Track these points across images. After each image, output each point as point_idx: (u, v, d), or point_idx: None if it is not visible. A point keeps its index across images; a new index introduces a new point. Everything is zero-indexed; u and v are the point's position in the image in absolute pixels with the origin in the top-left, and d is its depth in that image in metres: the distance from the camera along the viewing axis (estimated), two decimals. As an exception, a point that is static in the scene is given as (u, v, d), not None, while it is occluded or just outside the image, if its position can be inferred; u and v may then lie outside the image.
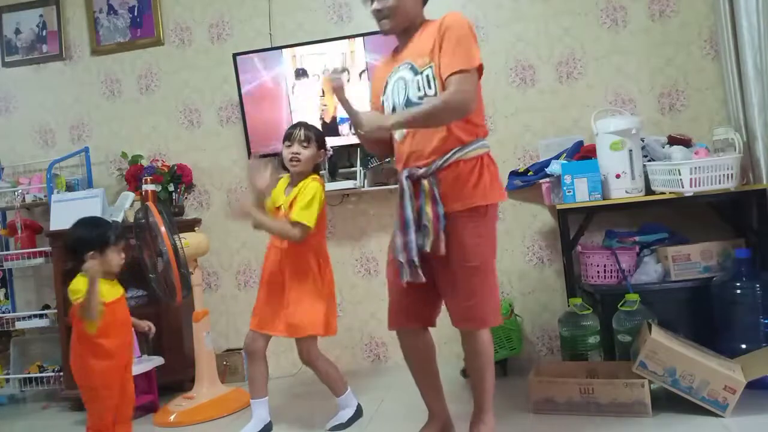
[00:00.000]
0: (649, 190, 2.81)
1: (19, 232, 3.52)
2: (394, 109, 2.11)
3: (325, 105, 3.34)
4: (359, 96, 3.17)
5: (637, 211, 3.02)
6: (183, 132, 3.69)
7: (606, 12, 3.23)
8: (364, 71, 3.24)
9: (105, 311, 2.10)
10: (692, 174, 2.58)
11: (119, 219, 3.25)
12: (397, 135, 2.12)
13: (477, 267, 2.01)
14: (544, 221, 3.29)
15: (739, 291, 2.55)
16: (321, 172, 2.59)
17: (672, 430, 2.20)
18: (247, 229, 3.46)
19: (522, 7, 3.31)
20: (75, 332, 2.16)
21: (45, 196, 3.52)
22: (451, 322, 2.10)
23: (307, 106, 3.34)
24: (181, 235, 2.75)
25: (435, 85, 1.98)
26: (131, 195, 3.40)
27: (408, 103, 2.04)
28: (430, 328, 2.21)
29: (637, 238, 2.91)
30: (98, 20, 3.77)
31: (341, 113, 3.26)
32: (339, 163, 3.32)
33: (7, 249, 3.64)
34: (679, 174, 2.60)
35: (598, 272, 2.85)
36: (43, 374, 3.48)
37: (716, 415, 2.24)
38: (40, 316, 3.50)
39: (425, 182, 1.99)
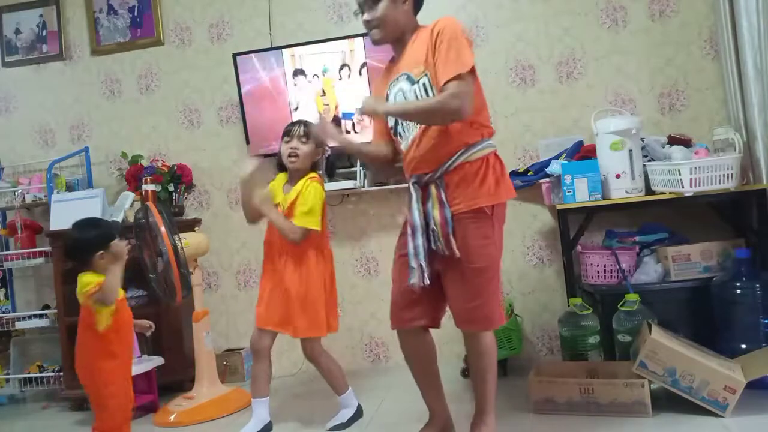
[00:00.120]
0: (649, 190, 2.81)
1: (19, 232, 3.52)
2: (396, 122, 2.13)
3: (325, 105, 3.34)
4: (359, 90, 3.22)
5: (637, 211, 3.02)
6: (183, 132, 3.70)
7: (606, 12, 3.23)
8: (363, 65, 3.24)
9: (116, 305, 2.11)
10: (692, 174, 2.58)
11: (119, 219, 3.25)
12: (403, 145, 2.14)
13: (482, 268, 2.01)
14: (544, 221, 3.29)
15: (739, 291, 2.55)
16: (319, 171, 2.60)
17: (672, 430, 2.20)
18: (247, 229, 3.47)
19: (522, 7, 3.31)
20: (83, 333, 2.13)
21: (45, 196, 3.52)
22: (455, 323, 2.10)
23: (308, 105, 3.34)
24: (181, 235, 2.75)
25: (432, 93, 2.00)
26: (131, 195, 3.40)
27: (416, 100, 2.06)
28: (431, 329, 2.21)
29: (637, 238, 2.91)
30: (98, 20, 3.77)
31: (343, 110, 3.28)
32: (338, 163, 3.31)
33: (7, 249, 3.64)
34: (679, 174, 2.60)
35: (598, 272, 2.85)
36: (43, 374, 3.48)
37: (716, 415, 2.24)
38: (40, 316, 3.50)
39: (432, 186, 2.02)
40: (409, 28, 2.10)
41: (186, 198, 3.65)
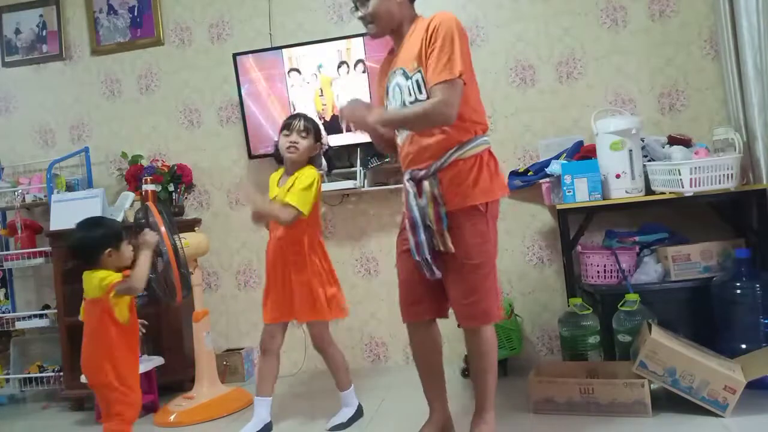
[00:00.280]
0: (649, 190, 2.82)
1: (19, 232, 3.52)
2: None
3: (324, 104, 3.34)
4: (357, 88, 3.22)
5: (637, 211, 3.02)
6: (183, 132, 3.69)
7: (606, 12, 3.23)
8: (360, 61, 3.25)
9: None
10: (692, 174, 2.58)
11: (119, 219, 3.25)
12: (399, 139, 2.15)
13: (478, 264, 2.03)
14: (544, 221, 3.29)
15: (739, 291, 2.55)
16: (320, 170, 2.60)
17: (672, 430, 2.20)
18: (247, 229, 3.48)
19: (522, 7, 3.31)
20: (100, 328, 2.10)
21: (45, 196, 3.51)
22: (457, 321, 2.12)
23: (307, 105, 3.34)
24: (181, 235, 2.75)
25: (425, 90, 2.00)
26: (131, 195, 3.41)
27: (404, 107, 2.08)
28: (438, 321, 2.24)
29: (637, 238, 2.91)
30: (98, 20, 3.77)
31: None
32: (338, 163, 3.31)
33: (7, 249, 3.64)
34: (679, 174, 2.60)
35: (598, 272, 2.85)
36: (43, 374, 3.48)
37: (716, 415, 2.24)
38: (40, 316, 3.49)
39: (426, 183, 2.02)
40: (406, 19, 2.10)
41: (186, 198, 3.65)
